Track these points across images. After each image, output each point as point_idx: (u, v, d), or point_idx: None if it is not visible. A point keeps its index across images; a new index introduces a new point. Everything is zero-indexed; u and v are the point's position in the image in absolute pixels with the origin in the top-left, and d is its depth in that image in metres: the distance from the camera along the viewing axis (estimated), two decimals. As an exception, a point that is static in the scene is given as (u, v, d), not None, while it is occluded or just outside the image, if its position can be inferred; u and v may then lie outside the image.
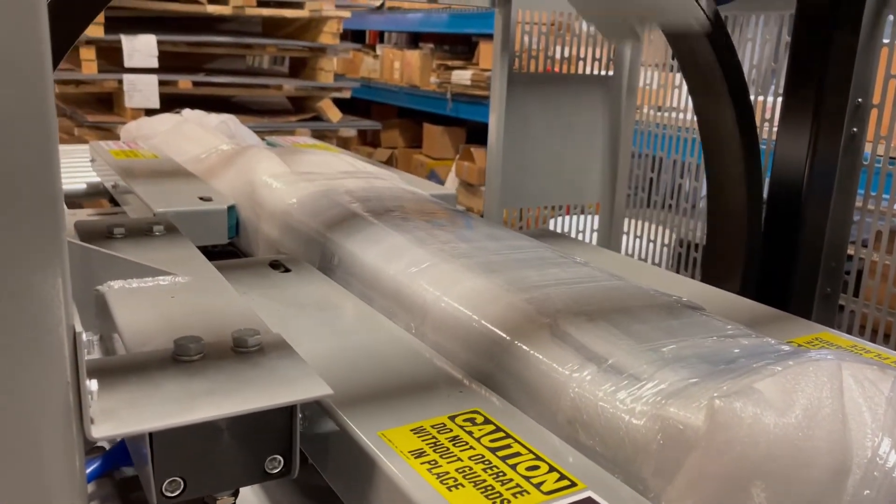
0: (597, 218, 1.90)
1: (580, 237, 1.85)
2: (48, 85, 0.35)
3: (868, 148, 1.20)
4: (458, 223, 0.91)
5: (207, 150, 1.29)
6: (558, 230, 1.80)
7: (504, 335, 0.63)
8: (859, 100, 1.16)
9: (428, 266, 0.75)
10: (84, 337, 0.38)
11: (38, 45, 0.34)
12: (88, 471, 0.60)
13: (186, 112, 1.68)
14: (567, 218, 1.87)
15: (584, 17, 1.42)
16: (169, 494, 0.47)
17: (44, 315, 0.36)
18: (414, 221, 0.88)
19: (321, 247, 0.88)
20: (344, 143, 3.39)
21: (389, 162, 4.41)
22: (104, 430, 0.40)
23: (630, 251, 1.84)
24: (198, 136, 1.38)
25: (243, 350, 0.52)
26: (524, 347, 0.61)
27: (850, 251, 1.24)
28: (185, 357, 0.50)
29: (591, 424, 0.53)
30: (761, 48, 1.44)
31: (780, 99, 1.24)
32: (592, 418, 0.53)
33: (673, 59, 1.65)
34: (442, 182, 3.83)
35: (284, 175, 1.05)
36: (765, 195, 1.22)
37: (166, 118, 1.63)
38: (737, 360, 0.55)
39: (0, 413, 0.36)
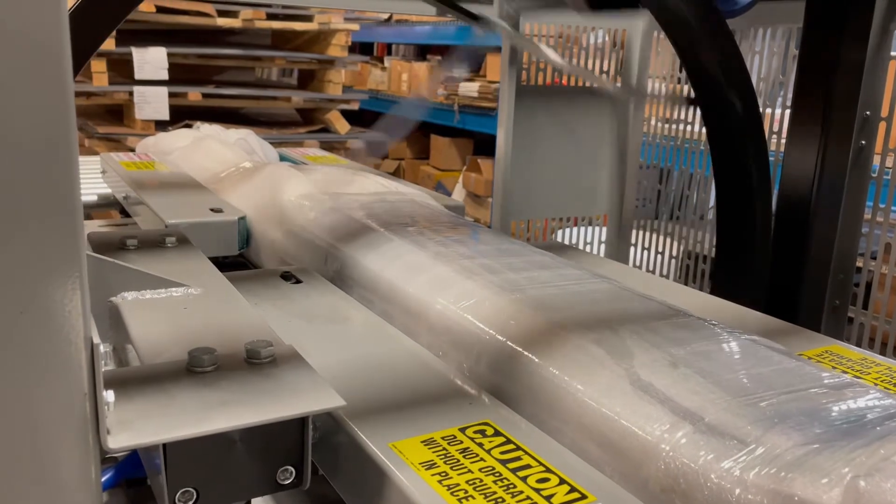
0: (604, 230, 1.91)
1: (588, 249, 1.85)
2: (69, 99, 0.36)
3: (876, 160, 1.20)
4: (502, 248, 0.85)
5: (228, 167, 1.27)
6: (566, 242, 1.80)
7: (578, 385, 0.57)
8: (867, 113, 1.17)
9: (479, 301, 0.69)
10: (101, 349, 0.38)
11: (60, 58, 0.35)
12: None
13: (205, 128, 1.66)
14: (574, 229, 1.88)
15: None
16: (182, 505, 0.47)
17: (63, 327, 0.36)
18: (455, 248, 0.82)
19: (359, 275, 0.84)
20: (351, 155, 3.41)
21: (396, 173, 4.43)
22: (120, 440, 0.41)
23: (638, 263, 1.84)
24: (218, 154, 1.36)
25: (256, 361, 0.52)
26: (603, 400, 0.55)
27: (859, 263, 1.24)
28: (199, 368, 0.50)
29: (691, 496, 0.47)
30: (769, 61, 1.45)
31: (787, 111, 1.24)
32: (693, 489, 0.47)
33: (681, 70, 1.66)
34: (449, 193, 3.84)
35: (314, 197, 1.02)
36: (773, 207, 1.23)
37: (184, 134, 1.60)
38: (855, 421, 0.49)
39: (19, 423, 0.37)
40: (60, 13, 0.34)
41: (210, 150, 1.38)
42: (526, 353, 0.62)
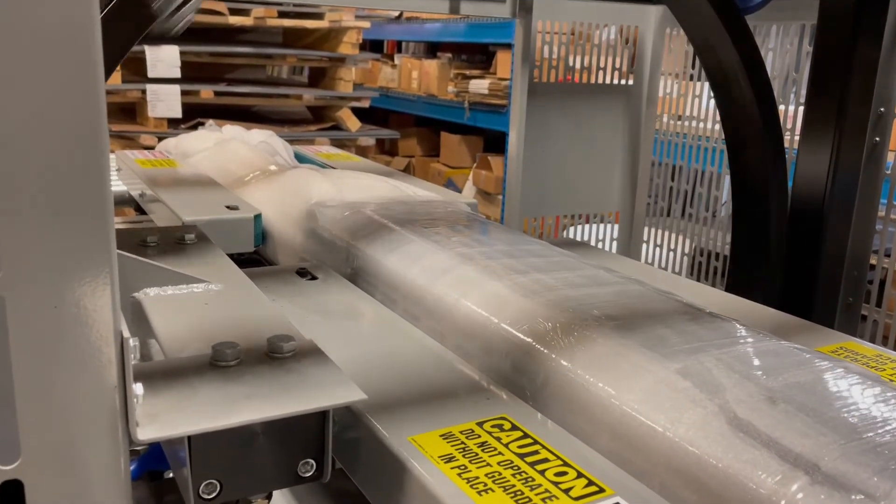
0: (616, 227, 1.91)
1: (599, 246, 1.85)
2: (101, 100, 0.36)
3: (891, 157, 1.20)
4: (553, 261, 0.81)
5: (253, 170, 1.27)
6: (577, 239, 1.81)
7: (667, 423, 0.51)
8: (881, 109, 1.16)
9: (540, 322, 0.65)
10: (131, 343, 0.39)
11: (93, 61, 0.36)
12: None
13: (227, 129, 1.64)
14: (586, 227, 1.88)
15: None
16: (206, 496, 0.48)
17: (95, 321, 0.37)
18: (503, 260, 0.79)
19: (400, 289, 0.81)
20: (362, 152, 3.41)
21: (407, 170, 4.43)
22: (149, 432, 0.42)
23: (650, 260, 1.84)
24: (242, 157, 1.34)
25: (278, 356, 0.53)
26: (698, 441, 0.49)
27: (873, 261, 1.24)
28: (222, 362, 0.51)
29: None
30: (782, 57, 1.45)
31: (801, 108, 1.24)
32: None
33: (693, 66, 1.66)
34: (459, 190, 3.85)
35: (344, 202, 1.01)
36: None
37: (205, 136, 1.58)
38: None
39: (52, 414, 0.38)
40: (93, 16, 0.35)
41: (235, 153, 1.37)
42: (601, 384, 0.56)
